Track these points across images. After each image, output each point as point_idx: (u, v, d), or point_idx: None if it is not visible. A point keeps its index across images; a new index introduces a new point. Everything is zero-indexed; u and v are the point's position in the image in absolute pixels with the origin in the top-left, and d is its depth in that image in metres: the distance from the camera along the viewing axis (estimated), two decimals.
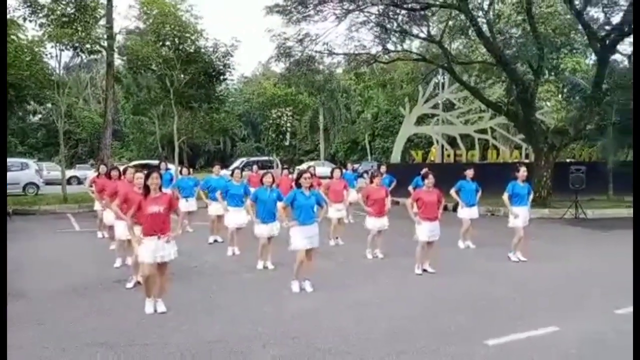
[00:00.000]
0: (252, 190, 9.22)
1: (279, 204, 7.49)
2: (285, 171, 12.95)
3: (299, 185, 6.85)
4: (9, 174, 17.73)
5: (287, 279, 6.96)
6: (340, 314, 5.88)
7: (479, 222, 10.35)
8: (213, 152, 46.33)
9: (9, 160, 21.87)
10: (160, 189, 5.93)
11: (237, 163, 26.02)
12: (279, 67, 25.80)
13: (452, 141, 23.54)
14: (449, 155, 21.36)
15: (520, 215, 8.56)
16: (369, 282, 7.46)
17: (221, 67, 18.81)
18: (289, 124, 19.64)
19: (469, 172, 9.95)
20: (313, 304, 6.27)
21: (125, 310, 5.98)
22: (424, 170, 8.54)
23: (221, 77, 19.24)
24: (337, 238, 10.24)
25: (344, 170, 12.15)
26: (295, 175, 7.50)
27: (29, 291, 6.83)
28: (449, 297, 6.58)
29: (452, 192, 9.86)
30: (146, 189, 5.79)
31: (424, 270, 7.79)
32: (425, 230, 7.67)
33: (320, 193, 8.09)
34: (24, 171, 21.33)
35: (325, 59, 19.78)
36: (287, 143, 20.71)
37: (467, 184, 9.85)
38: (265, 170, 9.41)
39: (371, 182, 9.00)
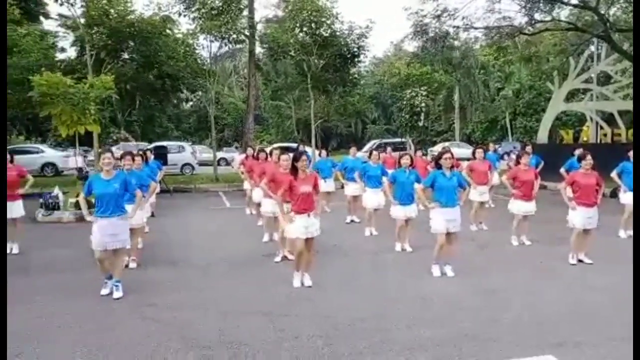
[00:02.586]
0: (389, 172, 9.25)
1: (417, 186, 7.40)
2: (419, 152, 12.71)
3: (439, 166, 6.68)
4: (169, 155, 19.84)
5: (427, 261, 6.88)
6: (485, 301, 5.67)
7: None
8: (344, 134, 47.15)
9: (169, 143, 24.59)
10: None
11: (369, 145, 26.16)
12: (411, 46, 25.24)
13: (608, 119, 21.02)
14: (605, 135, 19.14)
15: None
16: (516, 269, 7.06)
17: (356, 49, 18.99)
18: (423, 104, 19.18)
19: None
20: (455, 289, 6.12)
21: (275, 282, 6.40)
22: (580, 151, 7.79)
23: (356, 60, 19.43)
24: (480, 223, 9.82)
25: None
26: (429, 157, 7.32)
27: (189, 261, 7.60)
28: (609, 291, 5.96)
29: (614, 174, 8.85)
30: (294, 170, 6.09)
31: (579, 261, 7.14)
32: (581, 217, 7.01)
33: (462, 174, 7.80)
34: (181, 153, 23.74)
35: (461, 34, 18.87)
36: (421, 124, 20.29)
37: (631, 166, 8.76)
38: (403, 152, 9.33)
39: (517, 163, 8.43)
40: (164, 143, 23.44)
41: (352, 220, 10.66)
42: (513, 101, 37.41)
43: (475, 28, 17.55)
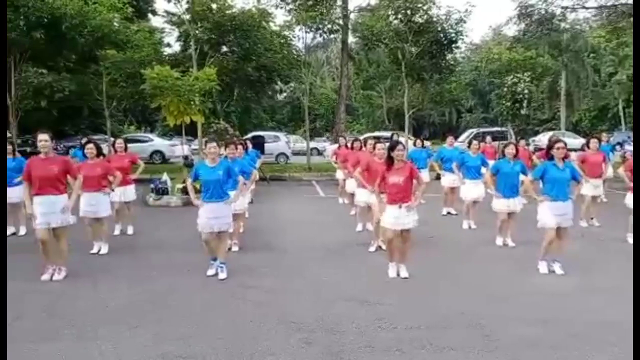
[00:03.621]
0: (490, 163, 8.85)
1: (525, 178, 6.99)
2: (523, 142, 12.00)
3: (550, 157, 6.24)
4: (266, 145, 20.48)
5: (530, 257, 6.51)
6: (596, 301, 5.26)
7: None
8: (438, 123, 45.85)
9: (266, 133, 25.38)
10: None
11: (466, 134, 25.13)
12: (512, 30, 23.84)
13: None
14: None
15: None
16: (631, 268, 6.42)
17: (453, 34, 18.30)
18: (526, 91, 18.02)
19: None
20: (563, 287, 5.73)
21: (369, 271, 6.39)
22: None
23: (453, 46, 18.73)
24: (592, 218, 9.08)
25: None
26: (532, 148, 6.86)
27: (285, 247, 7.81)
28: None
29: None
30: (390, 160, 5.99)
31: None
32: None
33: (575, 166, 7.24)
34: (276, 143, 24.44)
35: (569, 15, 17.42)
36: (523, 112, 19.11)
37: None
38: (506, 141, 8.87)
39: None
40: (261, 133, 24.29)
41: (448, 213, 10.34)
42: (628, 87, 33.98)
43: (587, 8, 16.12)
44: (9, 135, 17.21)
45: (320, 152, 28.41)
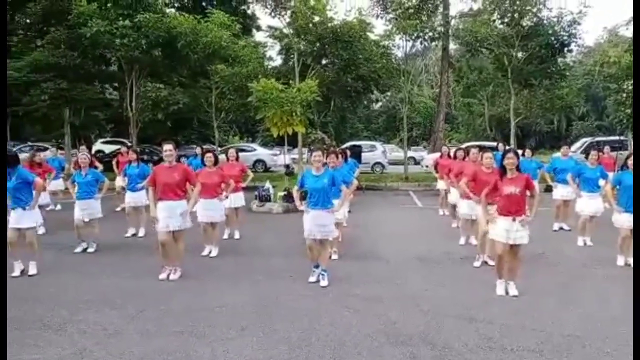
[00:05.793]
0: (609, 175, 8.15)
1: None
2: None
3: None
4: (362, 154, 20.53)
5: None
6: None
7: None
8: (545, 132, 43.04)
9: (363, 142, 25.47)
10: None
11: (579, 144, 23.30)
12: (630, 31, 21.70)
13: None
14: None
15: None
16: None
17: (565, 37, 17.12)
18: None
19: None
20: None
21: (474, 286, 6.12)
22: None
23: (565, 49, 17.53)
24: None
25: None
26: None
27: (384, 256, 7.77)
28: None
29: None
30: (502, 169, 5.75)
31: None
32: None
33: None
34: (372, 152, 24.42)
35: None
36: None
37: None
38: (627, 151, 8.11)
39: None
40: (358, 142, 24.43)
41: (560, 228, 9.64)
42: None
43: None
44: (129, 143, 18.96)
45: (417, 162, 27.96)
